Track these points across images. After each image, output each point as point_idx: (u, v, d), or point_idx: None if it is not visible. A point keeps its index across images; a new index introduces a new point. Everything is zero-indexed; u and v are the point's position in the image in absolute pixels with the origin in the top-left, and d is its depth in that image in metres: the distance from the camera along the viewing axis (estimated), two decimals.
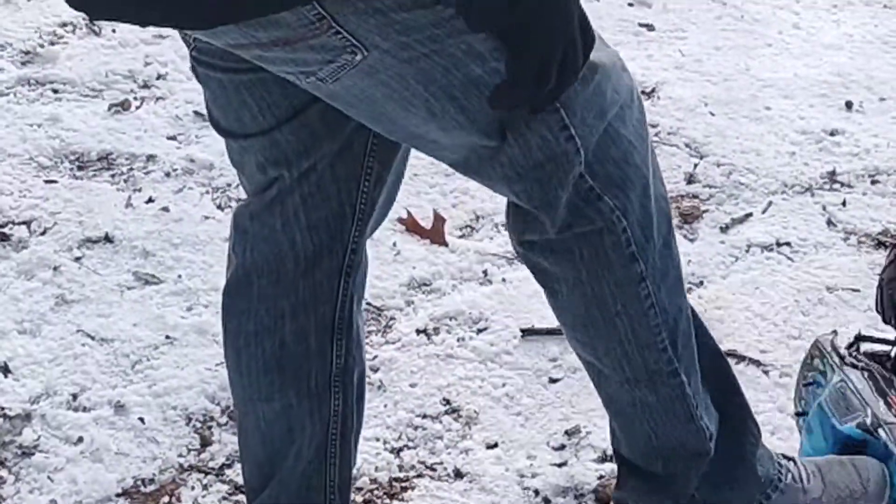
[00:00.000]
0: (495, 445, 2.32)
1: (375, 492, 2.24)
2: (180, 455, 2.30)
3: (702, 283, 2.71)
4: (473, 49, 1.53)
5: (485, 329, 2.58)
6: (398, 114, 1.58)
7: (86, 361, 2.47)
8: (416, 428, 2.36)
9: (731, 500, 1.96)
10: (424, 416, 2.38)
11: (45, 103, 3.23)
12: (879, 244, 2.84)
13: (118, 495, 2.23)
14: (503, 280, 2.69)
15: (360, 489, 2.22)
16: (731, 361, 2.47)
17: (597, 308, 1.77)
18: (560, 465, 2.28)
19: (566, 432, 2.34)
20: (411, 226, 2.82)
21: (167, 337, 2.53)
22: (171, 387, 2.41)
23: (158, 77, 3.34)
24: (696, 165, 3.08)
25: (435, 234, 2.80)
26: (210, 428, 2.35)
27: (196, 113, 3.19)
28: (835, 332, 2.26)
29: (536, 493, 2.23)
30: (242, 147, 1.77)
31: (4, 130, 3.12)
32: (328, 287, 1.81)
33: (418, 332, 2.58)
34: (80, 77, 3.32)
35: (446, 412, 2.39)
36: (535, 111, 1.58)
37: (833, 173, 3.06)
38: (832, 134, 3.20)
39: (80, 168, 3.02)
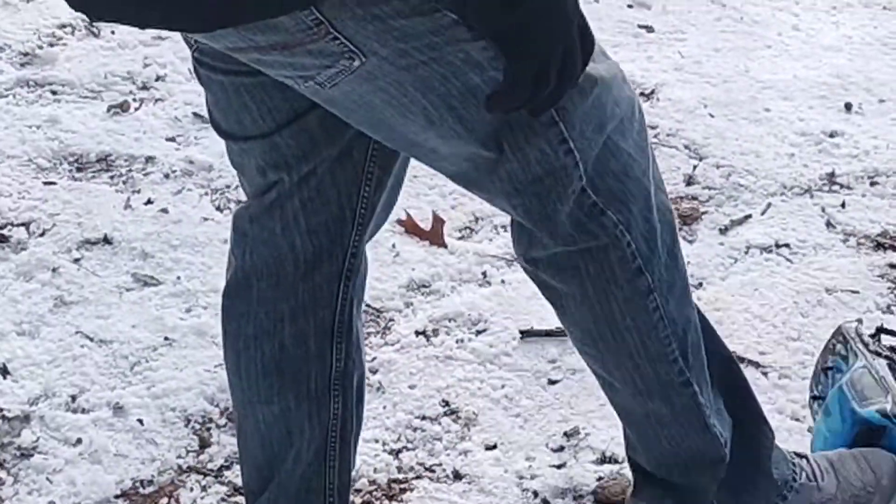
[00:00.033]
0: (494, 447, 2.32)
1: (374, 493, 2.24)
2: (179, 456, 2.30)
3: (701, 284, 2.71)
4: (472, 58, 1.53)
5: (484, 330, 2.58)
6: (397, 121, 1.58)
7: (85, 363, 2.47)
8: (414, 429, 2.36)
9: None
10: (423, 418, 2.38)
11: (44, 105, 3.23)
12: (879, 246, 2.84)
13: (117, 497, 2.22)
14: (502, 281, 2.69)
15: (358, 490, 2.22)
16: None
17: (605, 323, 1.76)
18: (559, 467, 2.27)
19: (565, 434, 2.34)
20: (410, 227, 2.82)
21: (166, 338, 2.53)
22: (169, 388, 2.41)
23: (157, 79, 3.34)
24: (695, 167, 3.08)
25: (434, 236, 2.80)
26: (209, 429, 2.35)
27: (195, 114, 3.19)
28: (859, 320, 2.27)
29: (535, 494, 2.23)
30: (242, 149, 1.77)
31: (3, 132, 3.12)
32: (328, 291, 1.81)
33: (417, 333, 2.57)
34: (79, 78, 3.32)
35: (445, 413, 2.39)
36: (535, 115, 1.57)
37: (832, 175, 3.06)
38: (831, 135, 3.20)
39: (78, 169, 3.02)
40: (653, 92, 3.36)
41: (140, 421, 2.35)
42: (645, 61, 3.50)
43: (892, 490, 2.07)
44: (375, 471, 2.27)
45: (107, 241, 2.78)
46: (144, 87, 3.31)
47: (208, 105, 1.77)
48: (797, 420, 2.38)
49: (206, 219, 2.86)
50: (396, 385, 2.45)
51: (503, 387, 2.45)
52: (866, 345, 2.18)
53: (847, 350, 2.18)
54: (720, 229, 2.88)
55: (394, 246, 2.78)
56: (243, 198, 2.73)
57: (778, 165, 3.09)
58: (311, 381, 1.84)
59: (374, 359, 2.49)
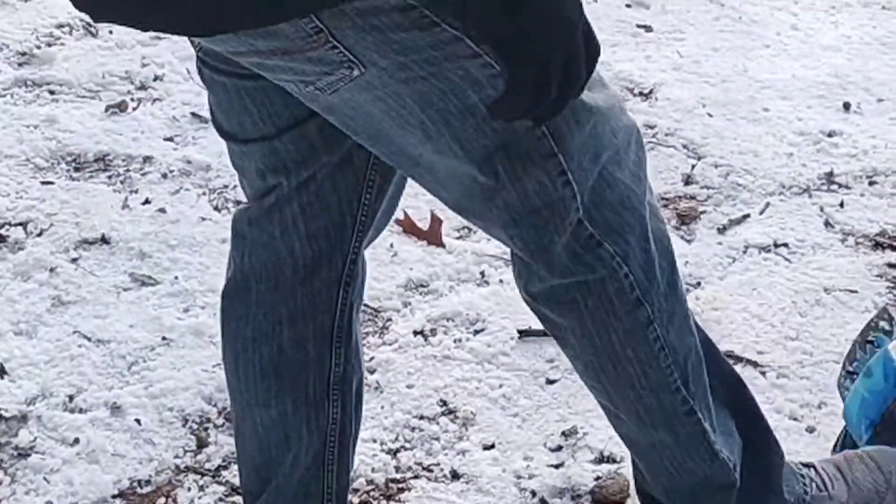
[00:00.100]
0: (492, 446, 2.32)
1: (372, 493, 2.24)
2: (177, 456, 2.30)
3: (699, 284, 2.71)
4: (471, 75, 1.52)
5: (482, 330, 2.57)
6: (395, 132, 1.57)
7: (82, 363, 2.47)
8: (412, 429, 2.36)
9: None
10: (421, 418, 2.38)
11: (42, 105, 3.23)
12: (877, 245, 2.84)
13: (114, 496, 2.22)
14: (500, 281, 2.68)
15: (356, 490, 2.22)
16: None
17: (606, 355, 1.76)
18: (557, 467, 2.27)
19: (563, 433, 2.33)
20: (408, 227, 2.82)
21: (164, 338, 2.53)
22: (167, 388, 2.41)
23: (155, 78, 3.34)
24: (693, 166, 3.08)
25: (432, 236, 2.80)
26: (206, 429, 2.35)
27: (193, 114, 3.19)
28: None
29: (533, 494, 2.23)
30: (243, 151, 1.76)
31: (1, 132, 3.12)
32: (327, 296, 1.81)
33: (415, 333, 2.57)
34: (77, 78, 3.32)
35: (443, 413, 2.39)
36: (538, 124, 1.55)
37: (831, 174, 3.06)
38: (830, 135, 3.20)
39: (76, 169, 3.02)
40: (651, 91, 3.35)
41: (138, 421, 2.35)
42: (643, 61, 3.50)
43: None
44: (373, 470, 2.27)
45: (104, 240, 2.78)
46: (142, 87, 3.31)
47: (211, 105, 1.76)
48: (795, 419, 2.38)
49: (203, 218, 2.85)
50: (394, 385, 2.45)
51: (501, 386, 2.44)
52: None
53: (892, 326, 2.20)
54: (718, 229, 2.88)
55: (392, 245, 2.77)
56: (241, 198, 2.72)
57: (776, 165, 3.09)
58: (310, 385, 1.84)
59: (372, 358, 2.49)
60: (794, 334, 2.58)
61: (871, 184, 3.04)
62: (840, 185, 3.03)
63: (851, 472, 2.05)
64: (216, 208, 2.90)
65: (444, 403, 2.41)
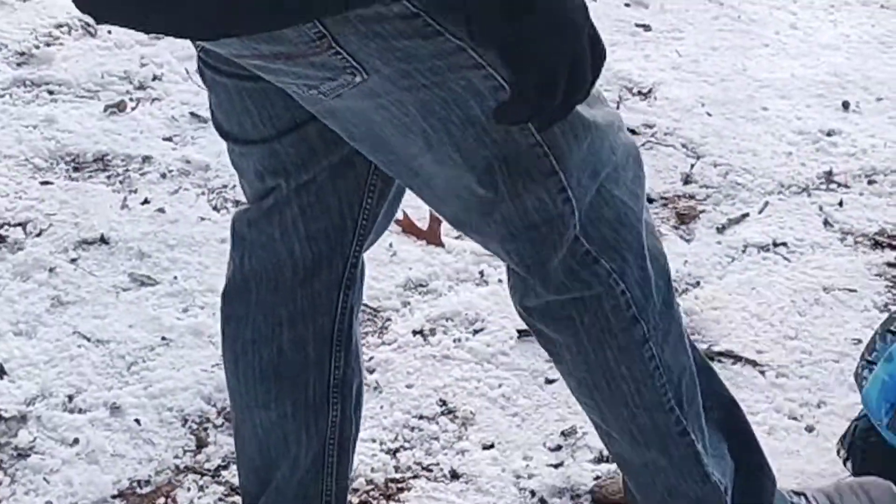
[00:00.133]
0: (491, 446, 2.32)
1: (371, 493, 2.24)
2: (176, 456, 2.30)
3: (698, 283, 2.71)
4: (473, 86, 1.51)
5: (481, 330, 2.57)
6: (397, 140, 1.56)
7: (81, 363, 2.47)
8: (412, 429, 2.36)
9: None
10: (421, 417, 2.38)
11: (41, 105, 3.22)
12: (876, 244, 2.84)
13: (114, 497, 2.22)
14: (499, 281, 2.68)
15: (356, 490, 2.22)
16: (728, 362, 2.48)
17: (601, 373, 1.74)
18: (556, 466, 2.27)
19: (562, 433, 2.33)
20: (407, 227, 2.82)
21: (163, 338, 2.53)
22: (166, 388, 2.41)
23: (154, 78, 3.34)
24: (692, 166, 3.08)
25: (431, 235, 2.80)
26: (206, 429, 2.35)
27: (192, 114, 3.19)
28: None
29: (533, 493, 2.23)
30: (242, 153, 1.76)
31: (0, 132, 3.11)
32: (327, 298, 1.81)
33: (414, 333, 2.57)
34: (76, 78, 3.32)
35: (442, 413, 2.39)
36: (542, 128, 1.54)
37: (830, 173, 3.06)
38: (829, 134, 3.20)
39: (75, 169, 3.02)
40: (650, 91, 3.35)
41: (137, 421, 2.35)
42: (642, 60, 3.50)
43: None
44: (373, 470, 2.27)
45: (104, 240, 2.78)
46: (141, 87, 3.31)
47: (211, 106, 1.76)
48: (794, 419, 2.38)
49: (202, 218, 2.85)
50: (394, 384, 2.45)
51: (500, 386, 2.44)
52: None
53: None
54: (717, 228, 2.88)
55: (391, 245, 2.77)
56: (241, 197, 2.71)
57: (775, 164, 3.09)
58: (310, 388, 1.84)
59: (372, 358, 2.49)
60: (794, 333, 2.58)
61: (870, 183, 3.04)
62: (839, 185, 3.03)
63: (842, 502, 2.04)
64: (215, 208, 2.90)
65: (444, 403, 2.41)
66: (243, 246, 1.81)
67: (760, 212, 2.93)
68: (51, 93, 3.27)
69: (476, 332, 2.57)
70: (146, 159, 3.05)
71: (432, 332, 2.58)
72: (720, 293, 2.68)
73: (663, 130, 3.21)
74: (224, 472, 2.26)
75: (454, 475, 2.27)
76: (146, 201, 2.90)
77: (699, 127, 3.22)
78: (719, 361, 2.49)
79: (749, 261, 2.78)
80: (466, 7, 1.41)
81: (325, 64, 1.49)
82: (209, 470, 2.27)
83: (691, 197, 2.99)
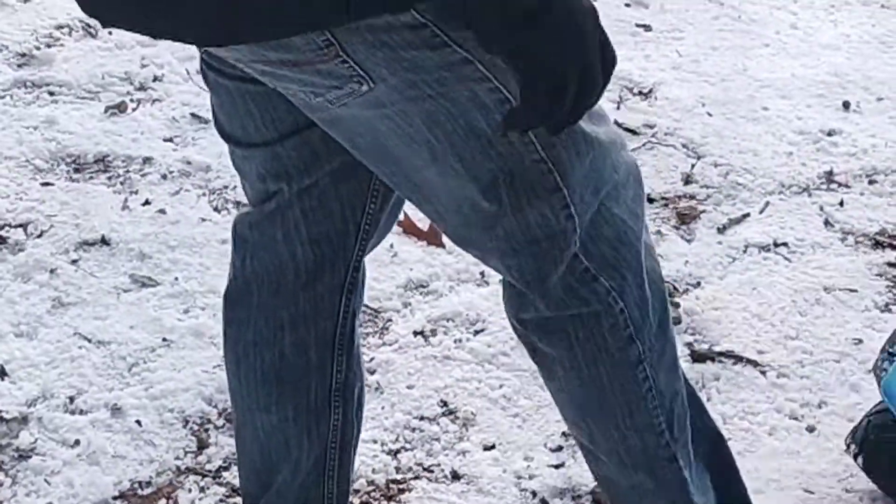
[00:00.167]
0: (493, 447, 2.32)
1: (372, 493, 2.24)
2: (177, 458, 2.30)
3: (699, 283, 2.71)
4: (479, 98, 1.51)
5: (482, 330, 2.57)
6: (401, 151, 1.56)
7: (82, 364, 2.47)
8: (413, 430, 2.36)
9: None
10: (422, 418, 2.38)
11: (42, 106, 3.22)
12: (877, 244, 2.84)
13: (115, 498, 2.22)
14: (500, 281, 2.68)
15: (357, 491, 2.22)
16: (729, 362, 2.48)
17: (594, 391, 1.72)
18: (557, 467, 2.27)
19: (563, 433, 2.33)
20: (408, 227, 2.82)
21: (164, 339, 2.53)
22: (167, 389, 2.41)
23: (155, 79, 3.34)
24: (693, 166, 3.08)
25: (432, 236, 2.80)
26: (207, 430, 2.35)
27: (193, 115, 3.19)
28: None
29: (534, 494, 2.23)
30: (244, 155, 1.75)
31: (1, 133, 3.11)
32: (329, 302, 1.80)
33: (415, 333, 2.57)
34: (77, 79, 3.32)
35: (443, 414, 2.39)
36: (553, 133, 1.52)
37: (830, 173, 3.06)
38: (829, 134, 3.20)
39: (76, 170, 3.02)
40: (651, 91, 3.35)
41: (138, 422, 2.35)
42: (643, 60, 3.50)
43: None
44: (374, 471, 2.27)
45: (104, 241, 2.78)
46: (142, 88, 3.31)
47: (213, 107, 1.75)
48: (795, 419, 2.38)
49: (203, 219, 2.85)
50: (395, 385, 2.45)
51: (501, 387, 2.44)
52: None
53: None
54: (718, 228, 2.88)
55: (392, 246, 2.77)
56: (242, 198, 2.71)
57: (776, 164, 3.09)
58: (311, 392, 1.84)
59: (373, 359, 2.49)
60: (794, 333, 2.58)
61: (870, 183, 3.04)
62: (840, 184, 3.03)
63: None
64: (216, 209, 2.90)
65: (445, 404, 2.41)
66: (245, 248, 1.80)
67: (761, 212, 2.93)
68: (51, 94, 3.27)
69: (477, 332, 2.57)
70: (147, 160, 3.05)
71: (433, 332, 2.58)
72: (721, 293, 2.68)
73: (664, 130, 3.21)
74: (225, 473, 2.26)
75: (455, 476, 2.27)
76: (147, 202, 2.90)
77: (700, 127, 3.22)
78: (720, 362, 2.50)
79: (750, 261, 2.78)
80: (475, 13, 1.40)
81: (332, 72, 1.48)
82: (210, 471, 2.27)
83: (692, 197, 2.99)
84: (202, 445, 2.31)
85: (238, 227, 1.81)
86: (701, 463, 1.84)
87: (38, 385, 2.42)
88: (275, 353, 1.81)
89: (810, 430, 2.36)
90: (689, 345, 2.53)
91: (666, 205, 2.95)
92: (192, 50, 1.75)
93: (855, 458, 2.20)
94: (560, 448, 2.31)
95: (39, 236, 2.79)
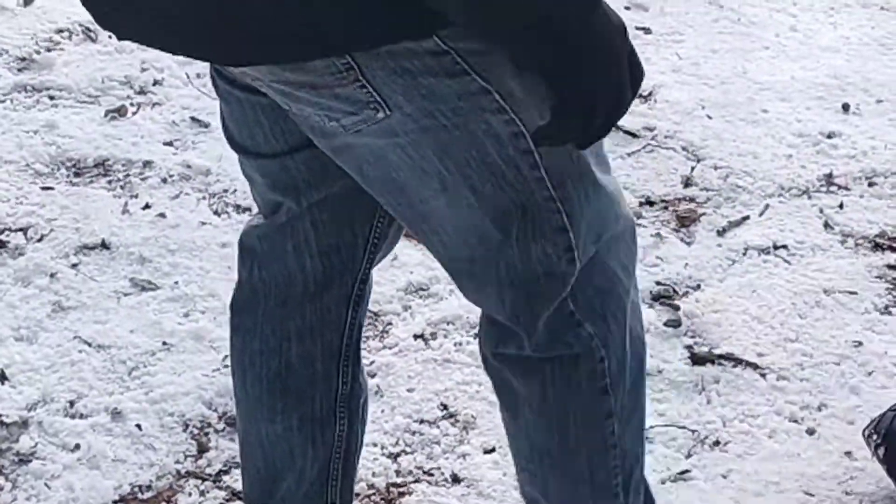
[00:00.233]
0: (493, 450, 2.32)
1: (373, 497, 2.24)
2: (177, 461, 2.30)
3: (699, 286, 2.71)
4: (493, 130, 1.50)
5: None
6: (411, 182, 1.55)
7: (83, 368, 2.47)
8: (413, 433, 2.36)
9: None
10: (422, 422, 2.38)
11: (42, 110, 3.23)
12: (876, 246, 2.84)
13: (115, 502, 2.22)
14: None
15: (357, 495, 2.22)
16: (728, 364, 2.49)
17: (558, 437, 1.70)
18: None
19: None
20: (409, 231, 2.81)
21: (164, 343, 2.53)
22: (167, 393, 2.41)
23: (155, 83, 3.34)
24: (692, 168, 3.08)
25: None
26: (207, 434, 2.35)
27: (192, 119, 3.19)
28: None
29: None
30: (253, 166, 1.75)
31: (1, 137, 3.12)
32: (336, 314, 1.80)
33: (416, 336, 2.57)
34: (77, 83, 3.32)
35: (444, 417, 2.39)
36: (581, 148, 1.52)
37: (830, 176, 3.06)
38: (829, 136, 3.20)
39: (76, 174, 3.02)
40: (650, 94, 3.35)
41: (138, 426, 2.35)
42: (642, 63, 3.49)
43: None
44: (374, 475, 2.27)
45: (104, 246, 2.78)
46: (142, 92, 3.31)
47: (223, 117, 1.74)
48: (795, 422, 2.38)
49: (203, 223, 2.86)
50: (395, 389, 2.45)
51: None
52: None
53: None
54: (718, 231, 2.88)
55: None
56: (241, 202, 2.71)
57: (776, 166, 3.10)
58: (317, 402, 1.84)
59: (373, 362, 2.49)
60: (794, 336, 2.58)
61: (870, 185, 3.04)
62: (839, 187, 3.03)
63: None
64: (216, 213, 2.90)
65: (445, 407, 2.41)
66: (253, 257, 1.80)
67: (761, 214, 2.93)
68: (51, 98, 3.28)
69: (477, 335, 2.56)
70: (147, 164, 3.05)
71: (433, 335, 2.58)
72: (721, 296, 2.68)
73: (664, 133, 3.21)
74: (225, 477, 2.26)
75: (455, 479, 2.27)
76: (147, 206, 2.91)
77: (699, 130, 3.22)
78: (720, 364, 2.50)
79: (749, 263, 2.79)
80: (513, 30, 1.38)
81: (350, 97, 1.47)
82: (210, 475, 2.27)
83: (692, 200, 2.99)
84: (202, 449, 2.31)
85: (245, 239, 1.80)
86: None
87: (38, 389, 2.42)
88: (280, 363, 1.81)
89: (810, 432, 2.36)
90: (688, 347, 2.54)
91: (666, 207, 2.95)
92: None
93: (876, 448, 2.19)
94: None
95: (40, 240, 2.79)
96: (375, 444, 2.32)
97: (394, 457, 2.31)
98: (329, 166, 1.66)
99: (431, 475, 2.28)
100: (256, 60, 1.47)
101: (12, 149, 3.08)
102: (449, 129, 1.49)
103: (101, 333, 2.55)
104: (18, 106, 3.24)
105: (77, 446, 2.30)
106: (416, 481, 2.27)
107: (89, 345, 2.52)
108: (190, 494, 2.24)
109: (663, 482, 2.25)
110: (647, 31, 3.65)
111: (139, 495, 2.24)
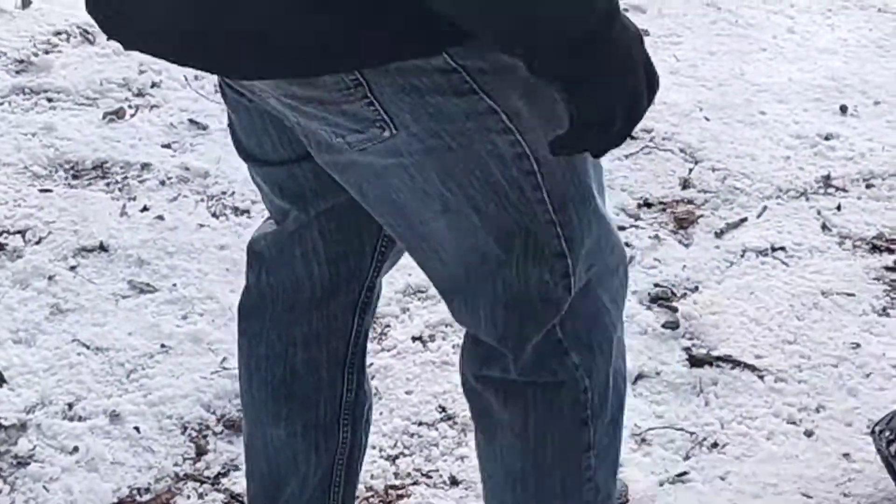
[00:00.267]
0: None
1: (372, 499, 2.24)
2: (176, 464, 2.30)
3: (697, 288, 2.71)
4: (498, 150, 1.50)
5: None
6: (412, 203, 1.54)
7: (81, 371, 2.47)
8: (411, 435, 2.36)
9: None
10: (420, 424, 2.38)
11: (40, 112, 3.23)
12: (874, 248, 2.84)
13: None
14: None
15: (356, 497, 2.22)
16: (726, 366, 2.49)
17: (534, 465, 1.69)
18: None
19: None
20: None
21: (162, 346, 2.53)
22: (166, 396, 2.41)
23: (153, 85, 3.34)
24: (690, 170, 3.08)
25: None
26: (205, 437, 2.35)
27: (191, 121, 3.20)
28: None
29: None
30: (262, 174, 1.75)
31: None
32: (342, 321, 1.80)
33: (414, 339, 2.57)
34: (75, 86, 3.32)
35: (442, 419, 2.39)
36: (597, 156, 1.53)
37: (828, 177, 3.06)
38: (827, 138, 3.21)
39: (74, 177, 3.02)
40: None
41: (137, 429, 2.35)
42: None
43: None
44: (373, 477, 2.27)
45: (103, 248, 2.78)
46: (140, 94, 3.32)
47: (231, 124, 1.74)
48: (793, 423, 2.38)
49: (202, 225, 2.86)
50: (393, 391, 2.45)
51: None
52: None
53: None
54: (716, 233, 2.88)
55: None
56: (239, 204, 2.71)
57: (773, 168, 3.10)
58: (321, 408, 1.84)
59: (371, 364, 2.49)
60: (792, 338, 2.58)
61: (868, 187, 3.04)
62: (837, 189, 3.03)
63: None
64: (214, 215, 2.90)
65: (443, 409, 2.41)
66: (261, 262, 1.80)
67: (759, 216, 2.93)
68: (50, 100, 3.28)
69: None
70: (145, 166, 3.05)
71: (431, 338, 2.58)
72: (719, 298, 2.69)
73: (661, 135, 3.21)
74: (224, 480, 2.26)
75: (454, 481, 2.27)
76: (145, 208, 2.91)
77: (697, 131, 3.22)
78: (718, 366, 2.50)
79: (747, 265, 2.79)
80: (535, 40, 1.37)
81: (357, 114, 1.47)
82: (209, 477, 2.27)
83: (690, 202, 2.99)
84: (201, 452, 2.31)
85: (254, 244, 1.80)
86: None
87: (36, 392, 2.42)
88: (286, 369, 1.81)
89: (808, 434, 2.36)
90: (686, 349, 2.54)
91: (664, 209, 2.96)
92: None
93: (888, 444, 2.18)
94: None
95: (38, 243, 2.79)
96: (374, 447, 2.32)
97: (392, 459, 2.31)
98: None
99: (430, 477, 2.28)
100: (265, 75, 1.47)
101: (10, 151, 3.08)
102: (454, 150, 1.49)
103: (100, 336, 2.55)
104: (16, 108, 3.24)
105: (75, 449, 2.30)
106: (414, 483, 2.27)
107: (88, 347, 2.52)
108: (188, 497, 2.24)
109: (661, 484, 2.25)
110: (644, 33, 3.62)
111: (137, 498, 2.24)
